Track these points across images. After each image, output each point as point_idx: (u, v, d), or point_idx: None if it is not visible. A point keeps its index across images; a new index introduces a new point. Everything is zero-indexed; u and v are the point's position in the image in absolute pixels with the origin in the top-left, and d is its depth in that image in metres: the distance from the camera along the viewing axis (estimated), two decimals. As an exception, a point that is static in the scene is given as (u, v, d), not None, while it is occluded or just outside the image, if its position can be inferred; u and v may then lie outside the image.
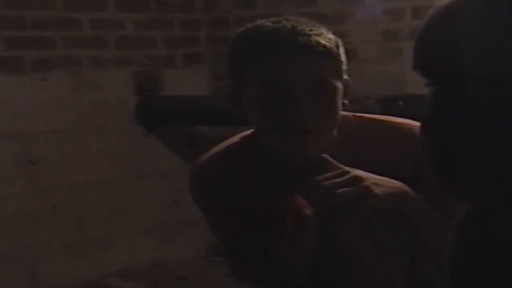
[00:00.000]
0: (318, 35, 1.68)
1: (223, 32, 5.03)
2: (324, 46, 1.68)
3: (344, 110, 1.76)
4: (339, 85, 1.72)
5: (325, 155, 1.61)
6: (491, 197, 1.00)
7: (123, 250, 4.70)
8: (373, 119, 1.84)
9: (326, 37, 1.70)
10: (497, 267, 1.02)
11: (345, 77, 1.75)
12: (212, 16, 5.10)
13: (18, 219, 4.30)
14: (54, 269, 4.41)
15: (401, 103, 3.50)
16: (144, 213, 4.80)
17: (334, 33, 1.72)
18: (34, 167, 4.36)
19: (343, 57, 1.74)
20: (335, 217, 1.64)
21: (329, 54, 1.69)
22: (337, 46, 1.72)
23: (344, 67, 1.75)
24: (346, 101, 1.76)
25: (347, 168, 1.60)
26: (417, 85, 1.10)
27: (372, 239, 1.76)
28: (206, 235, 5.28)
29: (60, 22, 4.45)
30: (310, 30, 1.68)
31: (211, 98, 4.96)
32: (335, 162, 1.60)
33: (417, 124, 1.09)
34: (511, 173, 0.96)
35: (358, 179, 1.59)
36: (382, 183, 1.61)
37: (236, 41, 1.77)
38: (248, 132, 1.85)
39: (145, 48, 4.84)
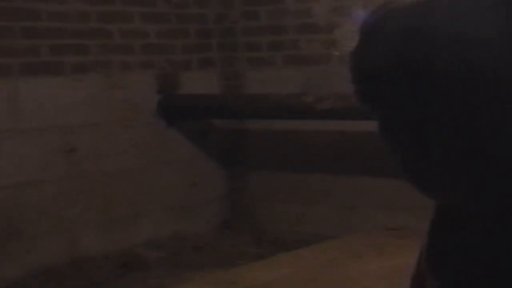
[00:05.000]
0: None
1: (232, 40, 5.06)
2: None
3: None
4: None
5: None
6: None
7: (148, 224, 4.66)
8: None
9: None
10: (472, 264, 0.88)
11: None
12: (223, 27, 5.08)
13: (59, 199, 4.28)
14: (90, 241, 4.39)
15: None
16: (165, 194, 4.76)
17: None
18: (73, 155, 4.35)
19: None
20: None
21: None
22: None
23: None
24: None
25: None
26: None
27: None
28: (218, 212, 5.45)
29: (94, 32, 4.45)
30: None
31: (222, 97, 4.98)
32: None
33: None
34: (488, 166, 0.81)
35: None
36: None
37: None
38: None
39: (166, 54, 4.81)
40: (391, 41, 0.82)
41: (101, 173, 4.49)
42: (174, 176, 4.83)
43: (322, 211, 4.82)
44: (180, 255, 4.48)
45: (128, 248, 4.47)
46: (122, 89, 4.60)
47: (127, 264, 4.30)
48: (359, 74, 0.86)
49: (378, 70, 0.83)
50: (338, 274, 3.55)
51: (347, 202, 4.76)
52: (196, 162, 4.93)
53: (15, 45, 4.14)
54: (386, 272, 3.37)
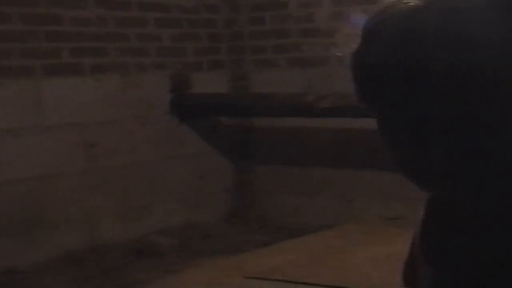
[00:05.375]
0: None
1: (240, 43, 5.14)
2: None
3: None
4: None
5: None
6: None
7: (161, 214, 4.70)
8: None
9: None
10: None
11: None
12: (231, 31, 5.15)
13: (79, 190, 4.33)
14: (107, 229, 4.43)
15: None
16: (177, 185, 4.81)
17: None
18: (92, 149, 4.40)
19: None
20: None
21: None
22: None
23: None
24: None
25: None
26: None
27: None
28: (226, 203, 5.37)
29: (112, 35, 4.51)
30: None
31: (230, 96, 5.06)
32: None
33: None
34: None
35: None
36: None
37: None
38: None
39: (178, 56, 4.87)
40: (391, 42, 0.80)
41: (117, 167, 4.55)
42: (185, 169, 4.89)
43: (323, 202, 4.91)
44: (190, 242, 4.53)
45: (142, 236, 4.50)
46: (138, 89, 4.66)
47: (141, 251, 4.34)
48: (360, 74, 0.84)
49: (379, 70, 0.80)
50: (338, 260, 3.68)
51: (345, 194, 4.85)
52: (206, 157, 4.99)
53: (38, 48, 4.23)
54: (381, 258, 3.49)
